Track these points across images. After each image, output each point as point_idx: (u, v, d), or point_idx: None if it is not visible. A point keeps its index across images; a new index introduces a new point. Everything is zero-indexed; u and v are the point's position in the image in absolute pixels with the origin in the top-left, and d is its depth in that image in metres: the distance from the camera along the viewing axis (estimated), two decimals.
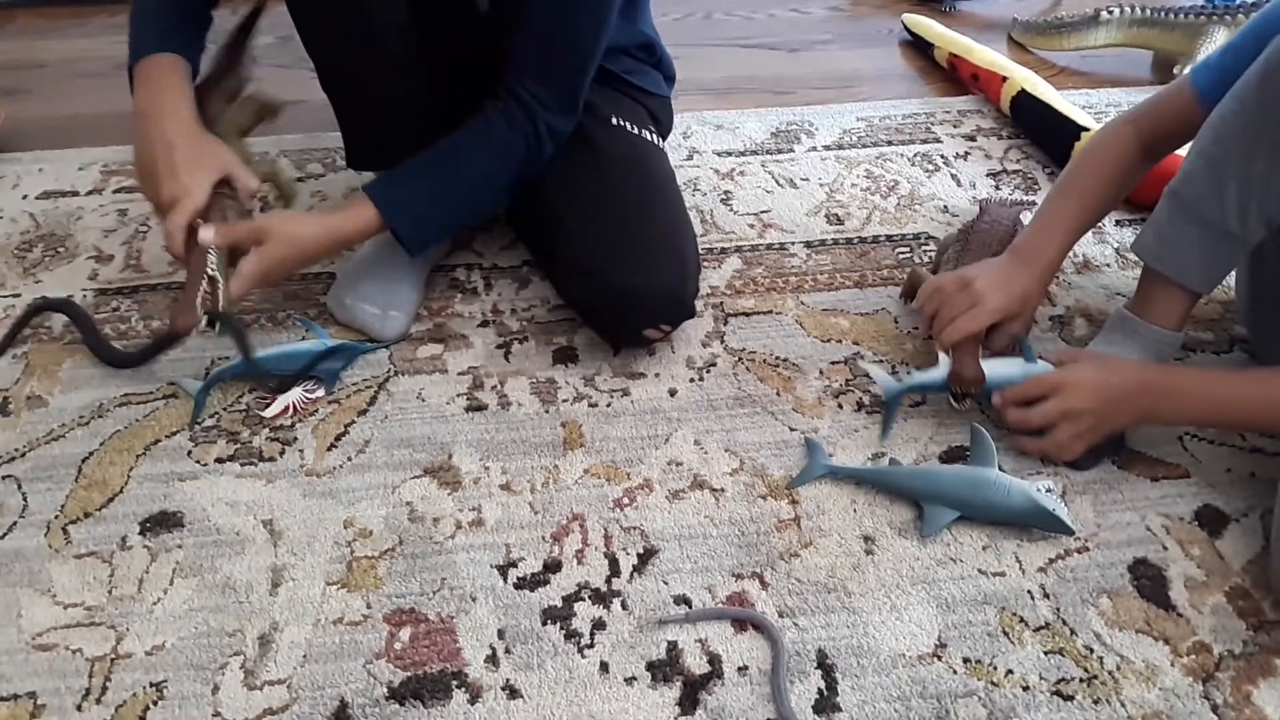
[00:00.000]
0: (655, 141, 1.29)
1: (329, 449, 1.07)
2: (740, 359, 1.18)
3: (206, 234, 1.04)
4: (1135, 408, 0.99)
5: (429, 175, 1.13)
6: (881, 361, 1.17)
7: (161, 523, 1.00)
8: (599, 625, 0.90)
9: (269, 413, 1.10)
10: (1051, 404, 0.99)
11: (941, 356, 1.07)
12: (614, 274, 1.11)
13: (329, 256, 1.18)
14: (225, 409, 1.12)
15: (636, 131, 1.26)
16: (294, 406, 1.11)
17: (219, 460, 1.06)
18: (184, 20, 1.15)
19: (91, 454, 1.06)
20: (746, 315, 1.24)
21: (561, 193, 1.20)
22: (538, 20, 1.09)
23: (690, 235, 1.19)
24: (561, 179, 1.20)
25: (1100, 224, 1.38)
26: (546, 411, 1.12)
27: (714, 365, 1.17)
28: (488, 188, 1.17)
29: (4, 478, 1.04)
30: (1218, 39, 1.70)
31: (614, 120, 1.25)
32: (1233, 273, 1.17)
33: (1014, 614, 0.91)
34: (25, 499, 1.02)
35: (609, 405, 1.12)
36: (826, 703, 0.84)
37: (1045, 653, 0.88)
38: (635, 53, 1.34)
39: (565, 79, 1.14)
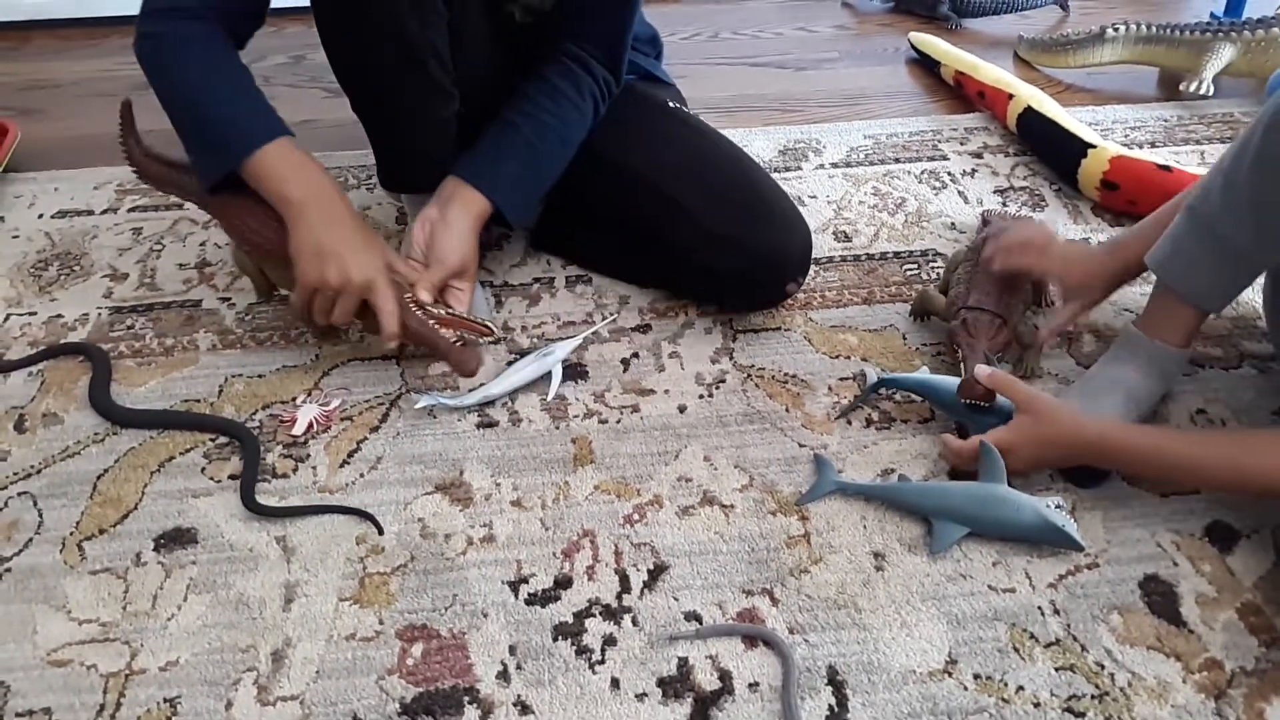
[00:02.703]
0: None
1: (341, 466, 1.08)
2: (749, 375, 1.18)
3: (425, 295, 1.11)
4: (1069, 463, 1.02)
5: (520, 155, 1.18)
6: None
7: (175, 539, 1.00)
8: (610, 641, 0.91)
9: (298, 430, 1.11)
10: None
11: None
12: (756, 237, 1.18)
13: None
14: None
15: (690, 112, 1.33)
16: (315, 422, 1.12)
17: (232, 477, 1.06)
18: (257, 91, 1.10)
19: (106, 471, 1.07)
20: (755, 332, 1.25)
21: (666, 178, 1.22)
22: None
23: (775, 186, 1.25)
24: (657, 166, 1.23)
25: None
26: (557, 428, 1.12)
27: (723, 381, 1.18)
28: (568, 154, 1.23)
29: (20, 494, 1.05)
30: (1223, 56, 1.71)
31: (671, 104, 1.31)
32: (1253, 293, 1.16)
33: (1024, 630, 0.91)
34: (41, 515, 1.03)
35: (619, 421, 1.13)
36: (837, 719, 0.84)
37: (1056, 669, 0.88)
38: (643, 47, 1.40)
39: (616, 40, 1.21)
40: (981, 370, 1.03)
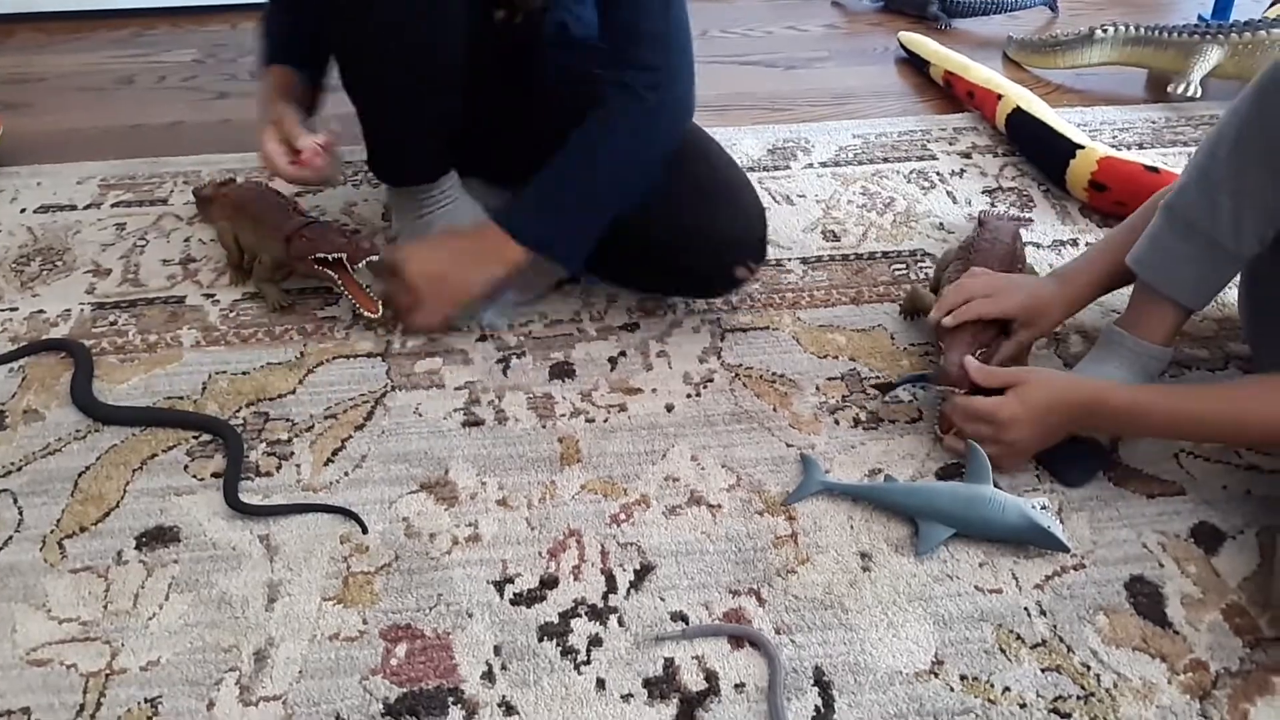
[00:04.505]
0: None
1: (326, 464, 1.07)
2: (737, 375, 1.18)
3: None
4: (1072, 428, 1.02)
5: (557, 196, 1.16)
6: (877, 378, 1.18)
7: (157, 537, 0.99)
8: (595, 642, 0.90)
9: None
10: (986, 430, 1.01)
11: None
12: (708, 222, 1.16)
13: (476, 276, 1.19)
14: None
15: None
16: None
17: (215, 475, 1.05)
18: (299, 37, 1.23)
19: (88, 468, 1.06)
20: (743, 331, 1.25)
21: None
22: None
23: (749, 181, 1.24)
24: None
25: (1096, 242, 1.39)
26: (544, 427, 1.12)
27: (711, 381, 1.17)
28: (598, 175, 1.16)
29: (0, 491, 1.04)
30: (1211, 58, 1.72)
31: None
32: (1233, 290, 1.17)
33: (1011, 631, 0.91)
34: (21, 513, 1.02)
35: (606, 421, 1.12)
36: (823, 719, 0.84)
37: (1042, 670, 0.88)
38: None
39: (652, 37, 1.14)
40: (970, 362, 1.04)
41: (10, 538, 0.99)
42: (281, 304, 1.28)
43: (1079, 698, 0.86)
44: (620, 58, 1.14)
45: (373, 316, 1.21)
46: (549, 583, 0.95)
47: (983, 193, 1.51)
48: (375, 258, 1.21)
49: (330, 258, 1.20)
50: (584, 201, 1.16)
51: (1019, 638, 0.90)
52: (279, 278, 1.29)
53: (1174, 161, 1.55)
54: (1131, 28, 1.78)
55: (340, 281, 1.21)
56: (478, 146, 1.31)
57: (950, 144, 1.64)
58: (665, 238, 1.17)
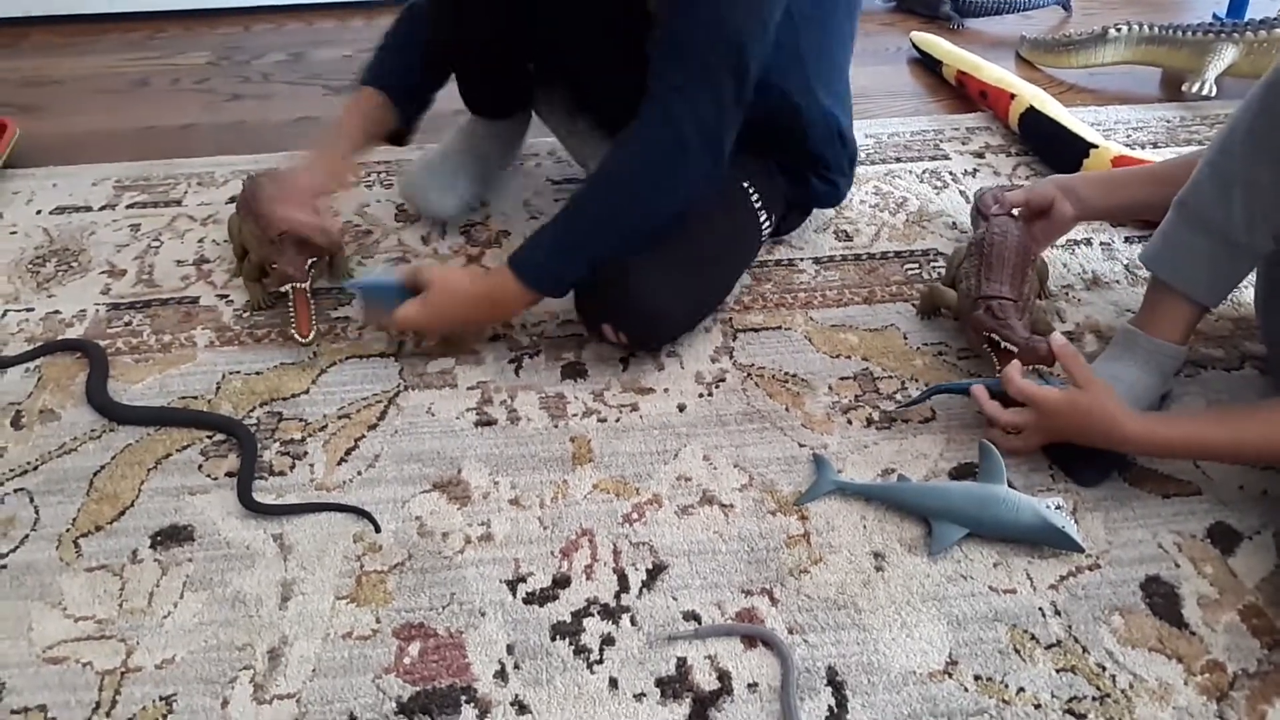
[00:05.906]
0: (760, 216, 1.26)
1: (339, 463, 1.07)
2: (749, 374, 1.18)
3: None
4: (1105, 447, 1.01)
5: (554, 222, 1.13)
6: (897, 382, 1.17)
7: (172, 536, 1.00)
8: (608, 641, 0.90)
9: None
10: (1025, 420, 1.02)
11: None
12: (617, 263, 1.11)
13: (489, 321, 1.24)
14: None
15: (754, 196, 1.25)
16: None
17: (229, 474, 1.06)
18: (411, 53, 1.32)
19: (103, 467, 1.07)
20: (755, 331, 1.25)
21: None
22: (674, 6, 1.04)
23: (711, 290, 1.22)
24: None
25: (1110, 240, 1.39)
26: (556, 426, 1.12)
27: (723, 380, 1.17)
28: (621, 211, 1.12)
29: (16, 490, 1.05)
30: (1226, 57, 1.71)
31: (742, 183, 1.24)
32: (1249, 290, 1.17)
33: (1025, 631, 0.90)
34: (37, 512, 1.02)
35: (618, 420, 1.12)
36: None
37: (1057, 671, 0.87)
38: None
39: (700, 55, 1.04)
40: (1056, 337, 1.02)
41: (26, 536, 1.00)
42: (263, 303, 1.29)
43: (1094, 699, 0.85)
44: (667, 63, 1.06)
45: (301, 340, 1.20)
46: (561, 582, 0.95)
47: None
48: (301, 284, 1.22)
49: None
50: (587, 237, 1.13)
51: (1034, 638, 0.90)
52: (261, 276, 1.29)
53: None
54: (1145, 26, 1.78)
55: (292, 294, 1.21)
56: (590, 83, 1.33)
57: (963, 144, 1.64)
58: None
